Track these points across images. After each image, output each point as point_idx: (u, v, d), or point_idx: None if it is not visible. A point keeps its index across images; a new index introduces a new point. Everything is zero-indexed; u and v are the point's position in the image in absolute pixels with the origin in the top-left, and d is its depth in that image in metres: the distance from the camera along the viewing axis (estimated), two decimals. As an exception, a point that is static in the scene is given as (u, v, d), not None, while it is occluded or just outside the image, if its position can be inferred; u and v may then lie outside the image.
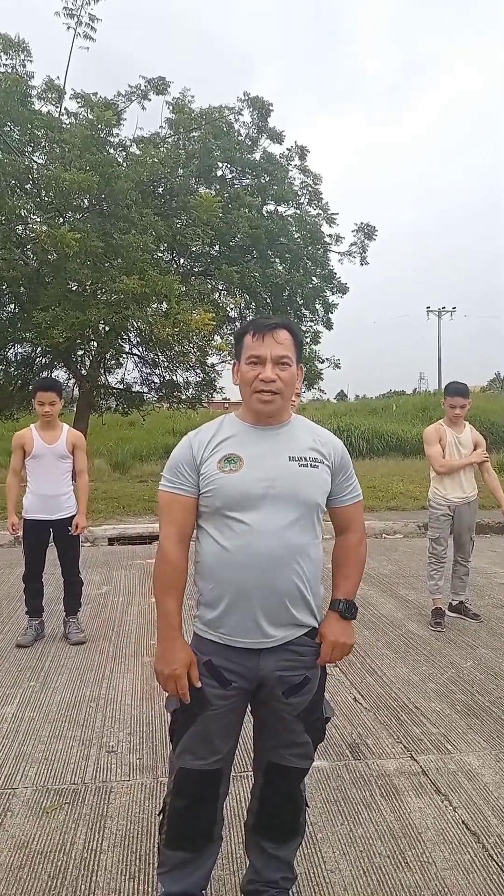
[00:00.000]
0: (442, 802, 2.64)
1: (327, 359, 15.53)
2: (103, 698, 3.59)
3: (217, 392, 15.53)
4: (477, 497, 5.01)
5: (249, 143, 14.67)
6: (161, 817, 1.93)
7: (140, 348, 14.31)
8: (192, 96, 13.78)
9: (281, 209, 14.93)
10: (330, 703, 2.00)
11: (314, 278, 14.97)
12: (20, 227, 11.63)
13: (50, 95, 12.60)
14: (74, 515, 4.45)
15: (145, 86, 13.34)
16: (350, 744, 3.11)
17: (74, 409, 13.73)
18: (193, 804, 1.85)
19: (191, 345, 12.59)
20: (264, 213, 14.39)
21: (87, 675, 3.92)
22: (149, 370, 14.99)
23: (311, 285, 14.79)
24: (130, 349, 14.52)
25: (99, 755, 2.99)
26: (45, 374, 13.95)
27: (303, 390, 14.50)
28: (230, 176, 14.82)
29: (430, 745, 3.10)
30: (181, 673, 1.77)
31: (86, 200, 11.74)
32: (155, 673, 1.83)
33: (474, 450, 4.91)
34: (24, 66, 12.36)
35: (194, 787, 1.84)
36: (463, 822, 2.52)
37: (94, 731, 3.22)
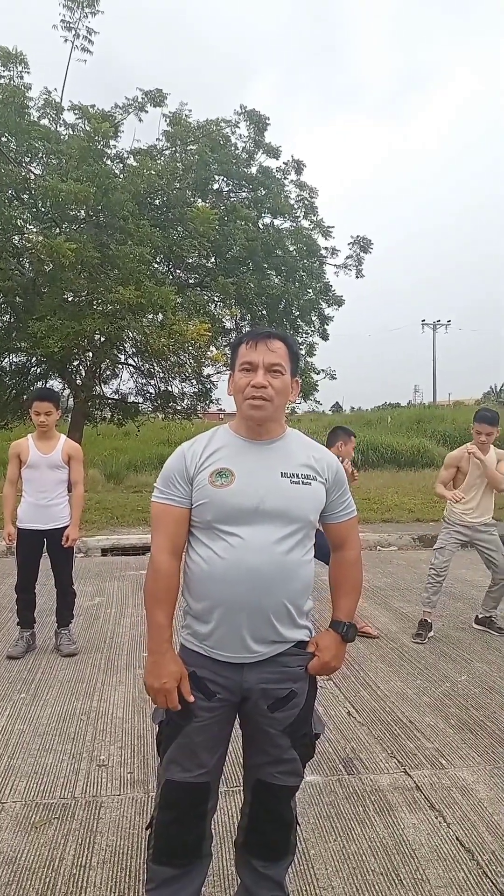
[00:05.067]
0: (436, 818, 2.61)
1: (323, 370, 15.61)
2: (94, 711, 3.55)
3: (212, 403, 15.55)
4: (495, 523, 4.98)
5: (246, 156, 14.78)
6: (149, 832, 1.90)
7: (135, 359, 14.33)
8: (190, 110, 13.91)
9: (277, 222, 15.03)
10: (321, 720, 1.97)
11: (310, 290, 15.04)
12: (17, 237, 11.66)
13: (48, 111, 12.69)
14: (68, 526, 4.42)
15: (142, 98, 13.45)
16: (343, 758, 3.08)
17: (69, 418, 13.71)
18: (180, 818, 1.82)
19: (186, 355, 12.61)
20: (260, 225, 14.48)
21: (79, 687, 3.88)
22: (144, 380, 15.00)
23: (306, 297, 14.86)
24: (126, 359, 14.53)
25: (89, 769, 2.95)
26: (39, 383, 13.93)
27: (299, 401, 14.56)
28: (227, 189, 14.93)
29: (424, 760, 3.08)
30: (171, 687, 1.75)
31: (82, 211, 11.79)
32: (145, 686, 1.81)
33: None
34: (22, 77, 12.46)
35: (181, 800, 1.81)
36: (457, 838, 2.49)
37: (85, 744, 3.18)
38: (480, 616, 5.16)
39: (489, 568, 4.99)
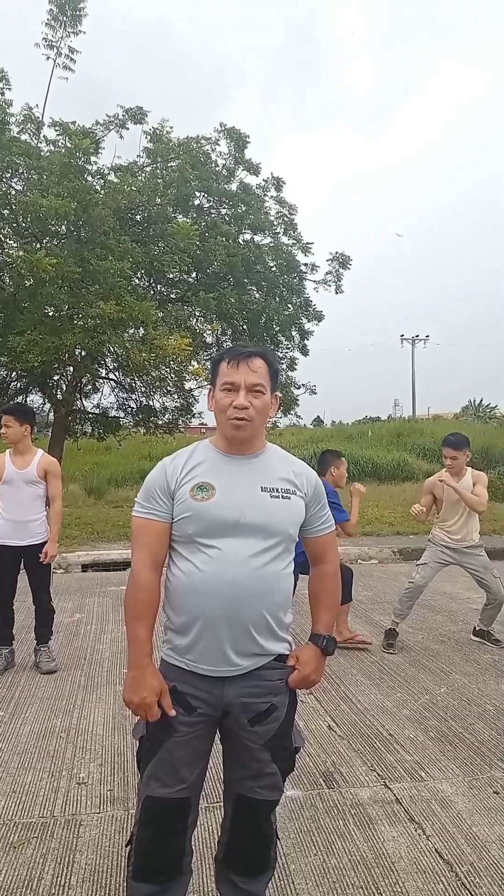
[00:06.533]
0: (415, 831, 2.63)
1: (303, 385, 15.72)
2: (74, 729, 3.52)
3: (194, 417, 15.57)
4: (480, 543, 5.00)
5: (226, 173, 14.93)
6: (129, 848, 1.89)
7: (117, 373, 14.32)
8: (171, 127, 14.04)
9: (257, 238, 15.18)
10: (301, 733, 1.98)
11: (290, 306, 15.18)
12: (-4, 252, 11.66)
13: (28, 126, 12.74)
14: (45, 542, 4.39)
15: (123, 115, 13.56)
16: (324, 772, 3.09)
17: (50, 433, 13.64)
18: (160, 834, 1.82)
19: (167, 370, 12.64)
20: (241, 241, 14.61)
21: (58, 704, 3.85)
22: (125, 395, 14.99)
23: (286, 312, 14.98)
24: (107, 374, 14.52)
25: (69, 787, 2.93)
26: (20, 398, 13.86)
27: (279, 416, 14.68)
28: (207, 205, 15.05)
29: (403, 773, 3.09)
30: (151, 702, 1.76)
31: (63, 226, 11.82)
32: (124, 702, 1.81)
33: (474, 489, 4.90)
34: (3, 94, 12.51)
35: (161, 816, 1.81)
36: (436, 850, 2.51)
37: (65, 762, 3.16)
38: (478, 629, 5.23)
39: (481, 588, 5.04)
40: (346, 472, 5.06)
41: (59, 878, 2.31)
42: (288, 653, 1.90)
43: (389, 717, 3.74)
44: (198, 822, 1.94)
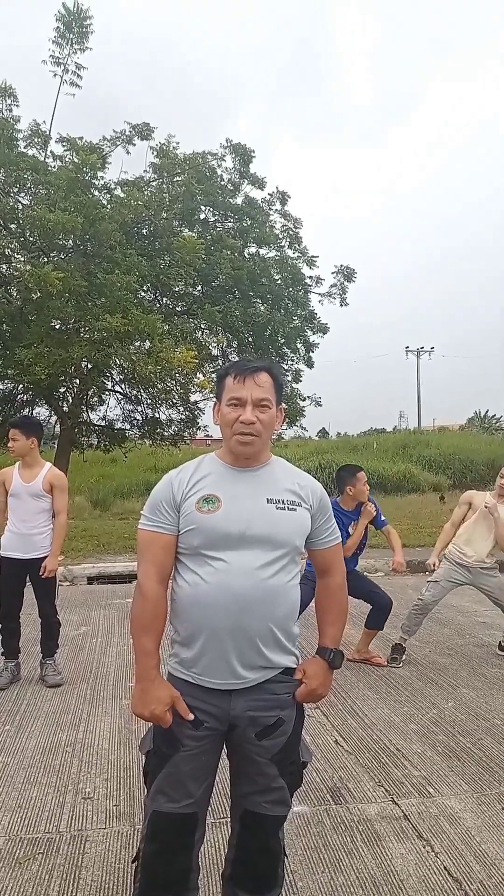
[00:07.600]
0: (424, 848, 2.60)
1: (308, 396, 15.76)
2: (80, 743, 3.51)
3: (199, 429, 15.60)
4: (495, 566, 4.95)
5: (231, 188, 15.05)
6: (135, 865, 1.88)
7: (123, 385, 14.39)
8: (177, 142, 14.19)
9: (262, 251, 15.28)
10: (309, 748, 1.97)
11: (295, 318, 15.25)
12: (4, 266, 11.76)
13: (36, 140, 12.89)
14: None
15: (130, 131, 13.71)
16: (331, 788, 3.06)
17: (56, 445, 13.69)
18: (167, 849, 1.80)
19: (173, 382, 12.69)
20: (246, 255, 14.71)
21: (64, 718, 3.83)
22: (131, 407, 15.05)
23: (291, 325, 15.05)
24: (113, 386, 14.58)
25: (74, 802, 2.91)
26: (26, 410, 13.92)
27: (285, 428, 14.69)
28: (213, 219, 15.17)
29: (411, 789, 3.07)
30: (160, 713, 1.75)
31: (70, 241, 11.92)
32: (134, 714, 1.81)
33: None
34: (11, 110, 12.68)
35: (168, 832, 1.80)
36: (445, 868, 2.48)
37: (70, 777, 3.14)
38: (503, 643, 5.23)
39: (498, 607, 5.01)
40: (364, 487, 4.82)
41: (64, 895, 2.29)
42: (295, 666, 1.90)
43: (397, 731, 3.71)
44: (205, 839, 1.93)
